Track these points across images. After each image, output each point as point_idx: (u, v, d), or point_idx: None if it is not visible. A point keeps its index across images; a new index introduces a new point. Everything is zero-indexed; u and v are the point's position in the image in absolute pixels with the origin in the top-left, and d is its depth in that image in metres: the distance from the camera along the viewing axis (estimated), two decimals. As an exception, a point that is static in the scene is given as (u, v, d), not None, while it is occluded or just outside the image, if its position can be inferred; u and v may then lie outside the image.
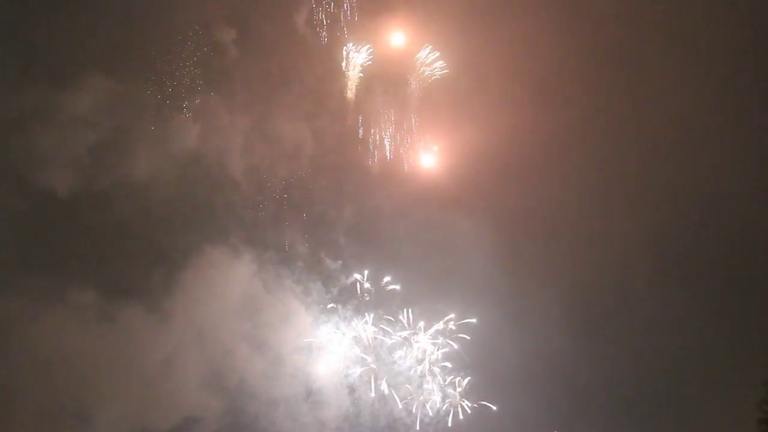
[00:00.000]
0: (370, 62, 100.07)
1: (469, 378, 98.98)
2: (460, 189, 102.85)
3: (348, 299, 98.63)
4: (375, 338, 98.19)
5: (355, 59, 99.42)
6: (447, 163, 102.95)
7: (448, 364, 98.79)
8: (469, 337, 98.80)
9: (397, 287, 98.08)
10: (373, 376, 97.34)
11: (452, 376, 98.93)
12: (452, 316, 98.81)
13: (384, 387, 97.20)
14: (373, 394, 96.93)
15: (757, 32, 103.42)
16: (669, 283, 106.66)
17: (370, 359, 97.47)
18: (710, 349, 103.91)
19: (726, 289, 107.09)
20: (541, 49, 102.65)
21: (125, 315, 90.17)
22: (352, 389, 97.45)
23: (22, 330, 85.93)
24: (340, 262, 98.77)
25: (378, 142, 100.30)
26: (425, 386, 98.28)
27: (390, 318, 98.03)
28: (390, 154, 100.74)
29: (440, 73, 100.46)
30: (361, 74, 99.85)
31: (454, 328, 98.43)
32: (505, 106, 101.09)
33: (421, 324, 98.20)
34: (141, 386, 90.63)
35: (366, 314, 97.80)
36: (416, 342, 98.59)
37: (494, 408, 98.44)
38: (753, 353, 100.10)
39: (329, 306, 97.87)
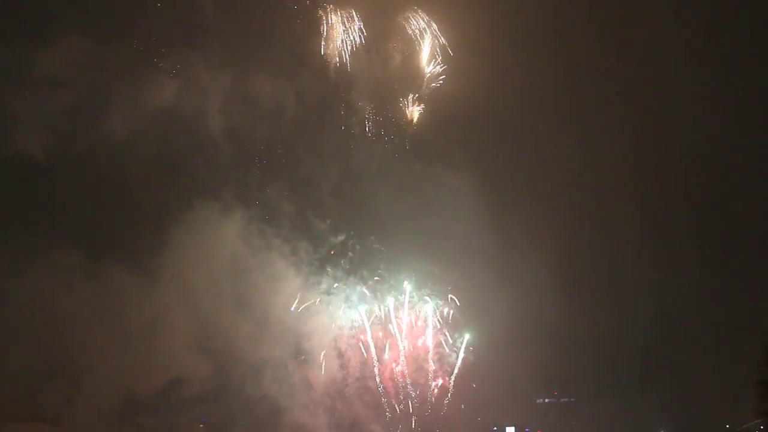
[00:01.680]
0: (352, 20, 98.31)
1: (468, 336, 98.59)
2: (446, 146, 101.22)
3: (337, 260, 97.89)
4: (364, 300, 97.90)
5: (337, 17, 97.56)
6: (433, 120, 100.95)
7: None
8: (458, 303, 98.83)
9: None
10: (362, 339, 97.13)
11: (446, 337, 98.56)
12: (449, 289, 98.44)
13: (372, 350, 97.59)
14: (365, 354, 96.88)
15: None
16: (663, 242, 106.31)
17: (359, 322, 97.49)
18: (706, 309, 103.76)
19: (722, 250, 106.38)
20: (529, 3, 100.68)
21: (112, 275, 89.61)
22: (340, 353, 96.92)
23: (5, 289, 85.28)
24: (327, 221, 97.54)
25: (361, 101, 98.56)
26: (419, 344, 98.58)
27: (379, 277, 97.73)
28: (374, 112, 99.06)
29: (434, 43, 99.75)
30: (343, 32, 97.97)
31: (453, 308, 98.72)
32: (493, 62, 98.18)
33: (408, 286, 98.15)
34: (128, 347, 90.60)
35: (354, 275, 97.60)
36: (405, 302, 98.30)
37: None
38: (750, 314, 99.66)
39: (318, 267, 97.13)
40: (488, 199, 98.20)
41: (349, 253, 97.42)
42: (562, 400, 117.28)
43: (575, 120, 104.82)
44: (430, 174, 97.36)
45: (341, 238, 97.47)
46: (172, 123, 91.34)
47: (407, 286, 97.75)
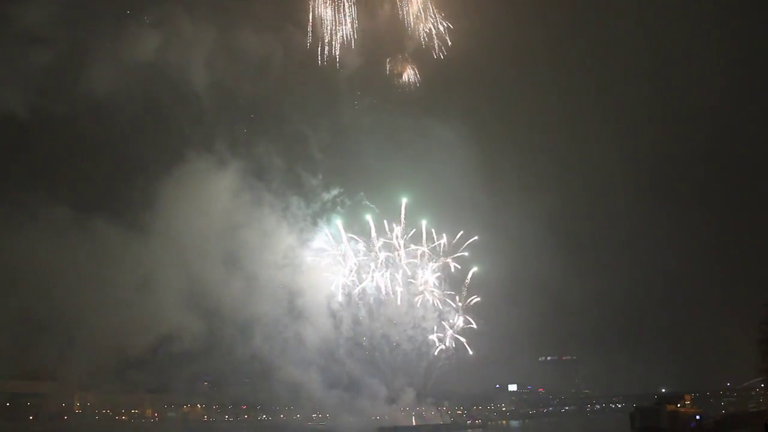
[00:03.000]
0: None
1: (476, 298, 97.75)
2: (438, 100, 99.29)
3: (330, 215, 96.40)
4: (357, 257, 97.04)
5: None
6: (425, 74, 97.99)
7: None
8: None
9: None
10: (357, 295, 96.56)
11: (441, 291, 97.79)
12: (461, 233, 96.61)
13: (362, 310, 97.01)
14: (362, 313, 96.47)
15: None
16: (651, 200, 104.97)
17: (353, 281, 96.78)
18: (708, 269, 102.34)
19: (712, 206, 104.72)
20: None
21: (102, 231, 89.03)
22: (333, 313, 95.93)
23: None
24: (319, 175, 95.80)
25: (347, 53, 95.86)
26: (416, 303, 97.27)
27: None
28: (363, 67, 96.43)
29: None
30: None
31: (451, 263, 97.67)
32: (487, 17, 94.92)
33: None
34: (119, 303, 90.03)
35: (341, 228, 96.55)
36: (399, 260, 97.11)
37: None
38: (751, 274, 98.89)
39: (311, 223, 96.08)
40: (480, 154, 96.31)
41: (339, 208, 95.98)
42: (563, 358, 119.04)
43: (570, 76, 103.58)
44: (420, 128, 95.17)
45: (332, 193, 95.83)
46: (158, 78, 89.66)
47: (404, 201, 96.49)
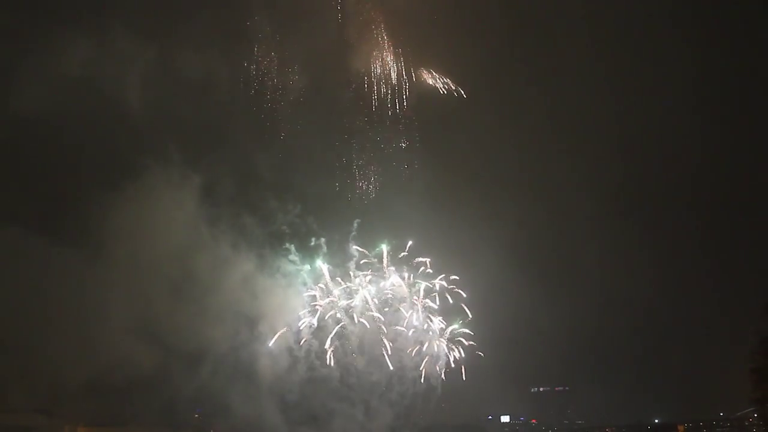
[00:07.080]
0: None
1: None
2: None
3: (283, 240, 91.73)
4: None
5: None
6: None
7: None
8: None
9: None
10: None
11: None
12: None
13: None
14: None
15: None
16: (612, 221, 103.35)
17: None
18: (699, 298, 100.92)
19: (712, 237, 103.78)
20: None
21: (51, 254, 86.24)
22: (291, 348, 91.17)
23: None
24: (270, 198, 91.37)
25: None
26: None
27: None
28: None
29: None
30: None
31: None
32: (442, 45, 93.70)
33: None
34: (69, 328, 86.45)
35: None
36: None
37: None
38: (743, 302, 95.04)
39: (269, 248, 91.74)
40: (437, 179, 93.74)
41: (286, 230, 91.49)
42: (556, 389, 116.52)
43: (528, 104, 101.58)
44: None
45: (286, 217, 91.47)
46: (95, 95, 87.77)
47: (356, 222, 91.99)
